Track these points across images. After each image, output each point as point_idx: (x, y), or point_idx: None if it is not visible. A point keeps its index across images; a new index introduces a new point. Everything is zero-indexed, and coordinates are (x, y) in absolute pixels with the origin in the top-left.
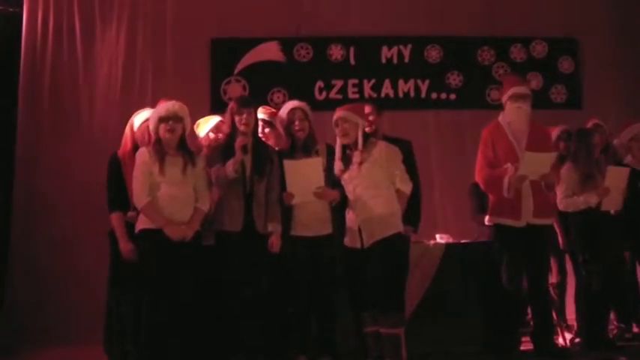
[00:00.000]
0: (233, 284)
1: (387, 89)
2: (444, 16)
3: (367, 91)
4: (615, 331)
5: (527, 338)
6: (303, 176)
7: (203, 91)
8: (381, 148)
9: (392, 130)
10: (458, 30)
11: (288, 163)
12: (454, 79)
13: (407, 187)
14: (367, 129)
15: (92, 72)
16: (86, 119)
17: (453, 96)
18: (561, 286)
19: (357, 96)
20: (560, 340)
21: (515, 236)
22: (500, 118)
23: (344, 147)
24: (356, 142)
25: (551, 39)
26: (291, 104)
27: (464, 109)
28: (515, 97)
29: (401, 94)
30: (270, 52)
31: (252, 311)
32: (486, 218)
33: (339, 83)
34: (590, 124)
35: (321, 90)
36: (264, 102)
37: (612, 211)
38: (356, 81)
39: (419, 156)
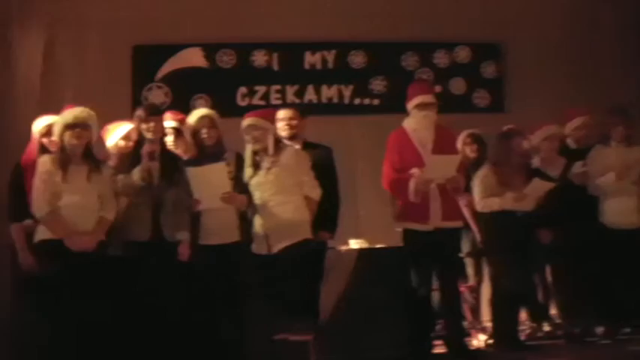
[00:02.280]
0: (142, 295)
1: (310, 95)
2: (368, 21)
3: (290, 97)
4: (528, 331)
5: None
6: (209, 182)
7: (124, 97)
8: (290, 153)
9: (316, 137)
10: (382, 35)
11: (190, 170)
12: (378, 84)
13: (315, 194)
14: (284, 133)
15: (9, 79)
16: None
17: (376, 101)
18: (478, 288)
19: (279, 102)
20: (475, 342)
21: (423, 240)
22: (405, 123)
23: (253, 153)
24: (266, 148)
25: (475, 44)
26: (199, 111)
27: (388, 114)
28: (422, 106)
29: (324, 100)
30: (192, 58)
31: (163, 321)
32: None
33: (262, 89)
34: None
35: (243, 96)
36: (186, 109)
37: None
38: (279, 87)
39: (343, 162)
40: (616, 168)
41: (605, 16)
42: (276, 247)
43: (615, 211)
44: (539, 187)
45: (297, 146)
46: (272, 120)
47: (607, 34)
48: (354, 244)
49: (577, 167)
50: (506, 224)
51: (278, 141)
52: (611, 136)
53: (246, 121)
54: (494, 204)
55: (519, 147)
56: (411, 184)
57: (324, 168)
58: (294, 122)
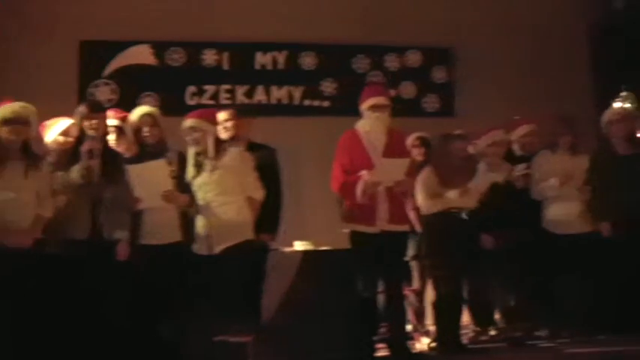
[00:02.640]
0: (80, 294)
1: (260, 95)
2: (319, 23)
3: (240, 97)
4: (472, 335)
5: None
6: (149, 180)
7: (71, 93)
8: (233, 154)
9: (264, 137)
10: (333, 37)
11: (130, 168)
12: (328, 86)
13: (258, 194)
14: (223, 135)
15: None
16: None
17: (326, 103)
18: (422, 292)
19: (229, 102)
20: (418, 345)
21: (369, 242)
22: (358, 125)
23: (196, 153)
24: (206, 150)
25: (426, 48)
26: (141, 109)
27: (338, 116)
28: (374, 108)
29: (274, 101)
30: (141, 55)
31: (102, 321)
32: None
33: (211, 89)
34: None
35: (192, 95)
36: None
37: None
38: (229, 87)
39: (291, 163)
40: (560, 174)
41: (554, 24)
42: (218, 248)
43: (558, 217)
44: (482, 182)
45: (241, 147)
46: (213, 121)
47: (556, 41)
48: (299, 245)
49: (519, 169)
50: (450, 227)
51: (220, 142)
52: (558, 144)
53: (186, 123)
54: (438, 204)
55: (460, 150)
56: (359, 186)
57: (267, 169)
58: (230, 124)
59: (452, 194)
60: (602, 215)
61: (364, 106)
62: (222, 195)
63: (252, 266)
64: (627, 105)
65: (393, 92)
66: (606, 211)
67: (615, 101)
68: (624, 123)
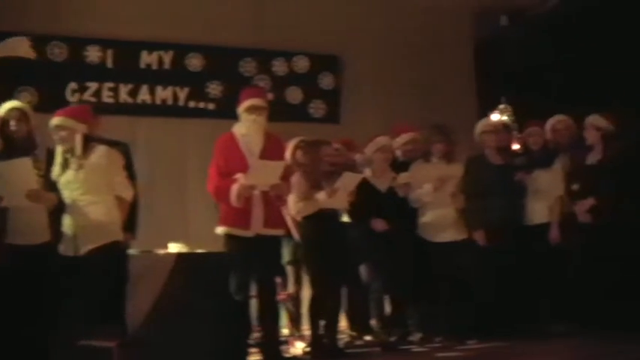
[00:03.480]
0: None
1: (144, 95)
2: (207, 24)
3: (123, 95)
4: (347, 340)
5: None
6: (13, 178)
7: None
8: (101, 152)
9: (147, 139)
10: (221, 40)
11: None
12: (214, 88)
13: (127, 194)
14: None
15: None
16: None
17: (212, 106)
18: (298, 296)
19: (112, 100)
20: (293, 350)
21: (244, 246)
22: (235, 128)
23: (64, 151)
24: (73, 149)
25: (313, 54)
26: (9, 104)
27: (223, 119)
28: (252, 109)
29: (159, 101)
30: (20, 47)
31: None
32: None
33: (93, 86)
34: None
35: (73, 92)
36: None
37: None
38: (112, 85)
39: (174, 164)
40: (434, 181)
41: (441, 36)
42: (85, 249)
43: (431, 224)
44: (350, 181)
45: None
46: (80, 119)
47: (443, 54)
48: (173, 247)
49: (401, 178)
50: (323, 229)
51: (88, 140)
52: (433, 152)
53: (53, 121)
54: (309, 206)
55: (327, 155)
56: (234, 189)
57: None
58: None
59: (321, 196)
60: (475, 223)
61: (242, 107)
62: (88, 194)
63: (119, 268)
64: (504, 117)
65: (270, 95)
66: (479, 220)
67: (493, 113)
68: (495, 134)
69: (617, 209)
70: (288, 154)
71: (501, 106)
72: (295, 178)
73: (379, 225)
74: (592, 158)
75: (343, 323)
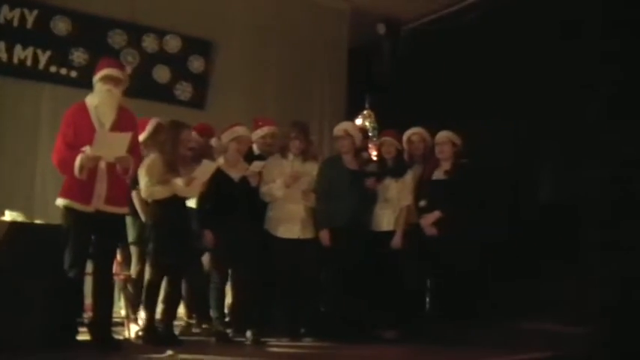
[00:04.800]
0: None
1: (1, 52)
2: None
3: None
4: (184, 326)
5: None
6: None
7: None
8: None
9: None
10: (92, 7)
11: None
12: (79, 56)
13: None
14: None
15: None
16: None
17: (74, 73)
18: (139, 278)
19: None
20: (126, 333)
21: (83, 221)
22: (88, 99)
23: None
24: None
25: (187, 37)
26: None
27: (84, 88)
28: (107, 80)
29: (16, 61)
30: None
31: None
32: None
33: None
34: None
35: None
36: None
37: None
38: None
39: (28, 129)
40: (286, 177)
41: (319, 37)
42: None
43: (280, 220)
44: (206, 169)
45: None
46: None
47: (319, 55)
48: (8, 215)
49: (254, 166)
50: (174, 216)
51: None
52: (290, 148)
53: None
54: (165, 191)
55: (186, 140)
56: (78, 159)
57: None
58: None
59: (178, 182)
60: (322, 223)
61: (97, 77)
62: None
63: None
64: (366, 122)
65: (129, 69)
66: (326, 220)
67: (357, 118)
68: (348, 140)
69: (458, 224)
70: (147, 132)
71: (365, 112)
72: (151, 160)
73: (209, 238)
74: (438, 174)
75: (182, 310)
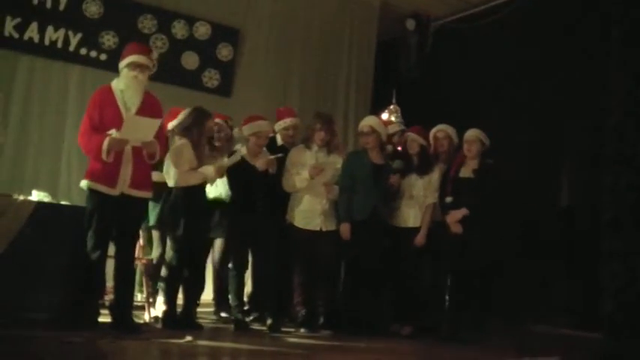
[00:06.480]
0: None
1: (32, 32)
2: None
3: (8, 28)
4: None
5: None
6: None
7: None
8: None
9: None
10: None
11: None
12: (109, 39)
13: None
14: None
15: None
16: None
17: (104, 56)
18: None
19: None
20: (146, 316)
21: (108, 204)
22: (114, 83)
23: None
24: None
25: (216, 24)
26: None
27: (112, 72)
28: (133, 66)
29: (47, 42)
30: None
31: None
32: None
33: None
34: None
35: None
36: None
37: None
38: None
39: (56, 110)
40: (309, 168)
41: (347, 30)
42: None
43: (301, 211)
44: (234, 158)
45: None
46: None
47: (346, 47)
48: (36, 195)
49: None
50: (200, 205)
51: None
52: (314, 139)
53: None
54: (194, 178)
55: (210, 129)
56: (105, 142)
57: None
58: None
59: (208, 170)
60: (343, 216)
61: (123, 63)
62: None
63: None
64: (392, 117)
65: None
66: (348, 214)
67: (383, 112)
68: (372, 136)
69: (483, 223)
70: (179, 119)
71: (391, 107)
72: (180, 145)
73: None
74: (465, 171)
75: (205, 296)
